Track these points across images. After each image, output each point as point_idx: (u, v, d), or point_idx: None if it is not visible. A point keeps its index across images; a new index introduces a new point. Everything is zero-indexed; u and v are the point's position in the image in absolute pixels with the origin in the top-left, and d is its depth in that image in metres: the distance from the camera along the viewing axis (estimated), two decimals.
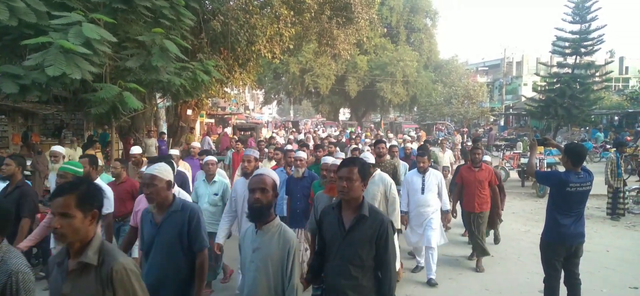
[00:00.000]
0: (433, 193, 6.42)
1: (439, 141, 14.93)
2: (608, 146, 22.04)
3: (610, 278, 6.45)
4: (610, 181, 10.23)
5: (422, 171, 6.49)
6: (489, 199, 6.89)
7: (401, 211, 6.12)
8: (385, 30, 39.62)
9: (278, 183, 2.94)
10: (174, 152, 8.31)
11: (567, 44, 26.97)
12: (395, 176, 7.08)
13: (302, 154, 6.06)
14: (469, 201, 6.95)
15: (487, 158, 7.72)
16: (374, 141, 9.10)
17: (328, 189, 4.56)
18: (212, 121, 29.89)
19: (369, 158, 5.73)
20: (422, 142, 13.29)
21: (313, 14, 13.34)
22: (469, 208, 6.95)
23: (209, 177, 5.95)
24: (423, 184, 6.42)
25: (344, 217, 2.94)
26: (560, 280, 4.72)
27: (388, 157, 7.54)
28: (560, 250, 4.62)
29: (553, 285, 4.70)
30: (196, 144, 9.86)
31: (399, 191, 6.42)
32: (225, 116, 32.58)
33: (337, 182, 2.98)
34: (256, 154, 5.49)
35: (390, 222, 2.98)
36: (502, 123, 41.88)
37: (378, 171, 5.65)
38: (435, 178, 6.48)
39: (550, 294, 4.74)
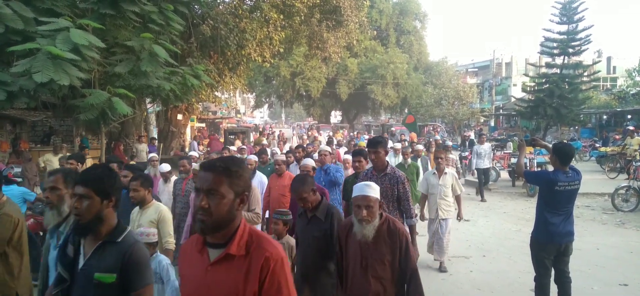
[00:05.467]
0: None
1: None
2: (597, 145, 22.25)
3: (600, 275, 6.50)
4: None
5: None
6: None
7: None
8: (375, 33, 39.84)
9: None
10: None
11: (555, 44, 27.22)
12: None
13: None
14: None
15: (372, 188, 3.27)
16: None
17: None
18: (203, 125, 29.76)
19: None
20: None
21: (303, 18, 13.35)
22: None
23: None
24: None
25: None
26: (551, 278, 4.76)
27: None
28: (550, 248, 4.66)
29: (543, 283, 4.74)
30: None
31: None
32: (216, 120, 32.51)
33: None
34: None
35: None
36: (492, 124, 42.14)
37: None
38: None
39: (541, 292, 4.77)
